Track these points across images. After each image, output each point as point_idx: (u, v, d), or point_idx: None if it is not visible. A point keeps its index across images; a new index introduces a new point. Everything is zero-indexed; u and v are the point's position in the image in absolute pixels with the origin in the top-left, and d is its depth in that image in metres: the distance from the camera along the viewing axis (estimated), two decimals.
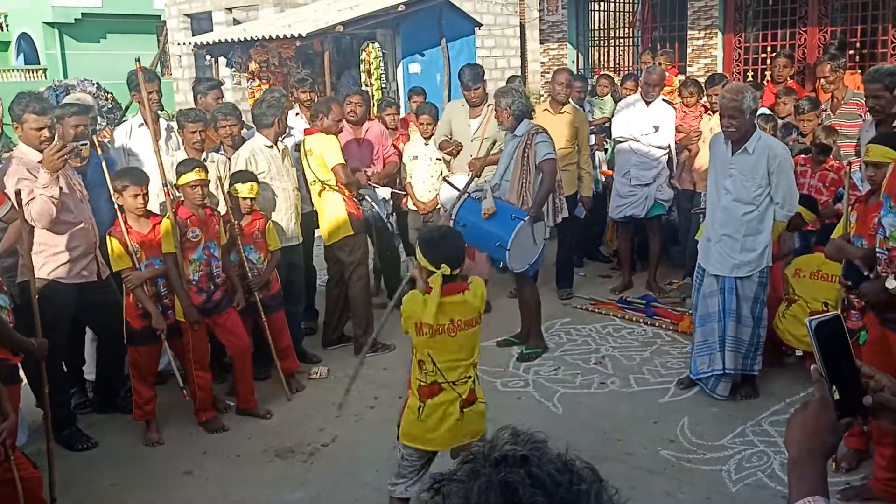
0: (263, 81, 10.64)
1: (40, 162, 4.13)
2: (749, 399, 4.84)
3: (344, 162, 5.56)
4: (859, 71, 7.55)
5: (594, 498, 0.88)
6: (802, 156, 5.71)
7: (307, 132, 5.84)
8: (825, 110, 6.60)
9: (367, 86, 10.45)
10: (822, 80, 6.49)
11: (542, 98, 11.57)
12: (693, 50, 10.23)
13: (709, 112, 6.82)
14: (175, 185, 4.73)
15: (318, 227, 6.00)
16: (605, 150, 7.63)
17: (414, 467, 3.35)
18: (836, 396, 1.28)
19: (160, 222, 4.63)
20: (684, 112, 7.00)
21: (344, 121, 6.32)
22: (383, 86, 10.92)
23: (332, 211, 5.68)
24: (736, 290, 4.67)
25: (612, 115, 7.30)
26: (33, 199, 4.04)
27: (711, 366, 4.78)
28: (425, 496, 0.91)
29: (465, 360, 3.23)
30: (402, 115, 8.03)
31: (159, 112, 5.95)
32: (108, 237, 4.57)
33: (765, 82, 7.59)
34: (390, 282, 6.92)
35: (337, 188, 5.60)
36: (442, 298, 3.07)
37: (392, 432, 4.58)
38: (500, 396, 5.07)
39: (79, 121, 4.84)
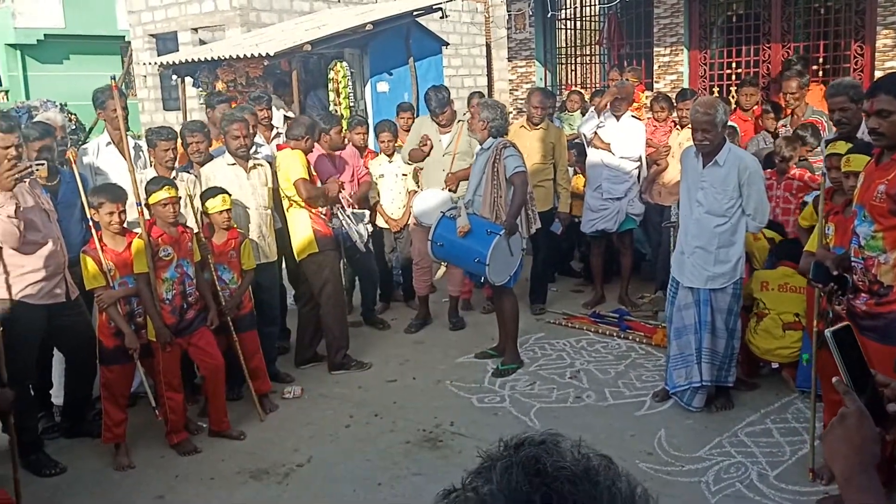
0: (231, 101, 10.58)
1: None
2: (724, 410, 4.85)
3: (307, 177, 5.52)
4: (823, 85, 7.68)
5: (613, 478, 0.86)
6: (767, 170, 5.80)
7: (279, 147, 5.81)
8: (784, 126, 6.72)
9: (335, 105, 10.45)
10: (788, 96, 6.58)
11: (511, 114, 11.64)
12: (659, 66, 10.36)
13: (677, 127, 6.90)
14: (146, 204, 4.66)
15: (288, 245, 5.94)
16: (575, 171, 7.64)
17: None
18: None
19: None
20: (654, 127, 7.07)
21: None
22: (351, 104, 10.92)
23: (299, 228, 5.64)
24: (710, 302, 4.70)
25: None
26: None
27: (689, 378, 4.80)
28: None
29: None
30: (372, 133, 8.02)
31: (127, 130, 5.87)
32: (82, 255, 4.48)
33: (732, 105, 7.67)
34: (367, 301, 6.88)
35: (303, 205, 5.57)
36: None
37: (367, 450, 4.57)
38: (477, 412, 5.06)
39: (43, 144, 4.77)
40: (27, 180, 4.16)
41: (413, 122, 7.47)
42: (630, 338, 6.23)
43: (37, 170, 4.42)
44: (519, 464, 0.85)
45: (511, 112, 11.96)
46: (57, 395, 5.00)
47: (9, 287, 4.19)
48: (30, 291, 4.27)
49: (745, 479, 4.09)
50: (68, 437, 4.89)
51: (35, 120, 5.60)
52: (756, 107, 7.26)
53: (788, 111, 6.83)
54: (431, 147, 6.59)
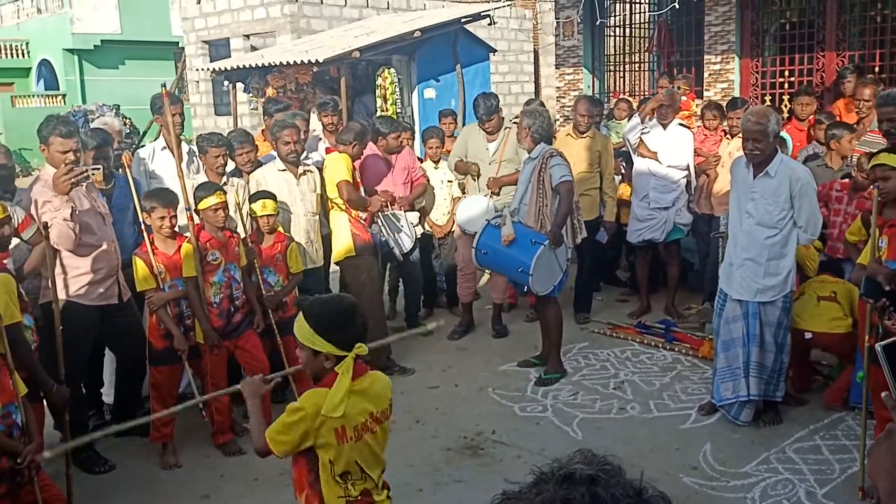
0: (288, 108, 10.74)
1: None
2: (772, 425, 4.76)
3: (349, 180, 5.58)
4: None
5: None
6: (840, 181, 5.65)
7: (328, 151, 5.90)
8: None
9: (382, 111, 10.54)
10: (862, 103, 6.37)
11: (557, 122, 11.60)
12: (710, 74, 10.21)
13: (727, 136, 6.80)
14: (195, 210, 4.75)
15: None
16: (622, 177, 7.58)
17: None
18: None
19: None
20: (705, 135, 6.97)
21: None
22: (398, 111, 11.00)
23: (339, 231, 5.73)
24: (759, 315, 4.62)
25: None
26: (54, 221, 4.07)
27: (736, 392, 4.72)
28: None
29: (381, 455, 2.72)
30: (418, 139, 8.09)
31: (180, 136, 5.99)
32: (134, 258, 4.60)
33: (786, 114, 7.50)
34: (411, 307, 6.90)
35: (343, 208, 5.63)
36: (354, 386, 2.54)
37: (408, 455, 4.58)
38: (519, 421, 5.04)
39: (101, 153, 4.89)
40: (84, 184, 4.27)
41: (455, 127, 7.49)
42: (676, 349, 6.15)
43: (93, 174, 4.54)
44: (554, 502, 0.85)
45: (558, 119, 11.92)
46: (107, 394, 5.12)
47: (64, 288, 4.30)
48: (84, 292, 4.38)
49: (792, 496, 4.01)
50: (117, 435, 4.98)
51: (94, 126, 5.74)
52: (811, 117, 7.12)
53: (852, 118, 6.64)
54: (479, 173, 6.60)
